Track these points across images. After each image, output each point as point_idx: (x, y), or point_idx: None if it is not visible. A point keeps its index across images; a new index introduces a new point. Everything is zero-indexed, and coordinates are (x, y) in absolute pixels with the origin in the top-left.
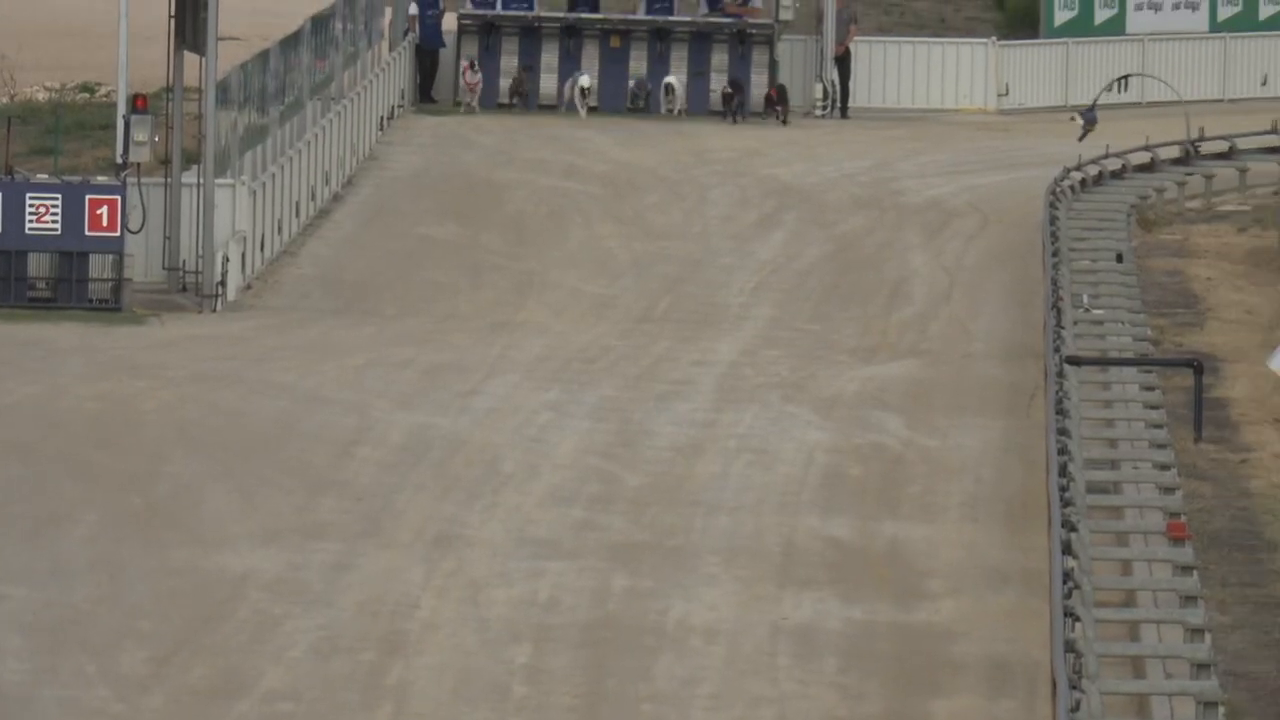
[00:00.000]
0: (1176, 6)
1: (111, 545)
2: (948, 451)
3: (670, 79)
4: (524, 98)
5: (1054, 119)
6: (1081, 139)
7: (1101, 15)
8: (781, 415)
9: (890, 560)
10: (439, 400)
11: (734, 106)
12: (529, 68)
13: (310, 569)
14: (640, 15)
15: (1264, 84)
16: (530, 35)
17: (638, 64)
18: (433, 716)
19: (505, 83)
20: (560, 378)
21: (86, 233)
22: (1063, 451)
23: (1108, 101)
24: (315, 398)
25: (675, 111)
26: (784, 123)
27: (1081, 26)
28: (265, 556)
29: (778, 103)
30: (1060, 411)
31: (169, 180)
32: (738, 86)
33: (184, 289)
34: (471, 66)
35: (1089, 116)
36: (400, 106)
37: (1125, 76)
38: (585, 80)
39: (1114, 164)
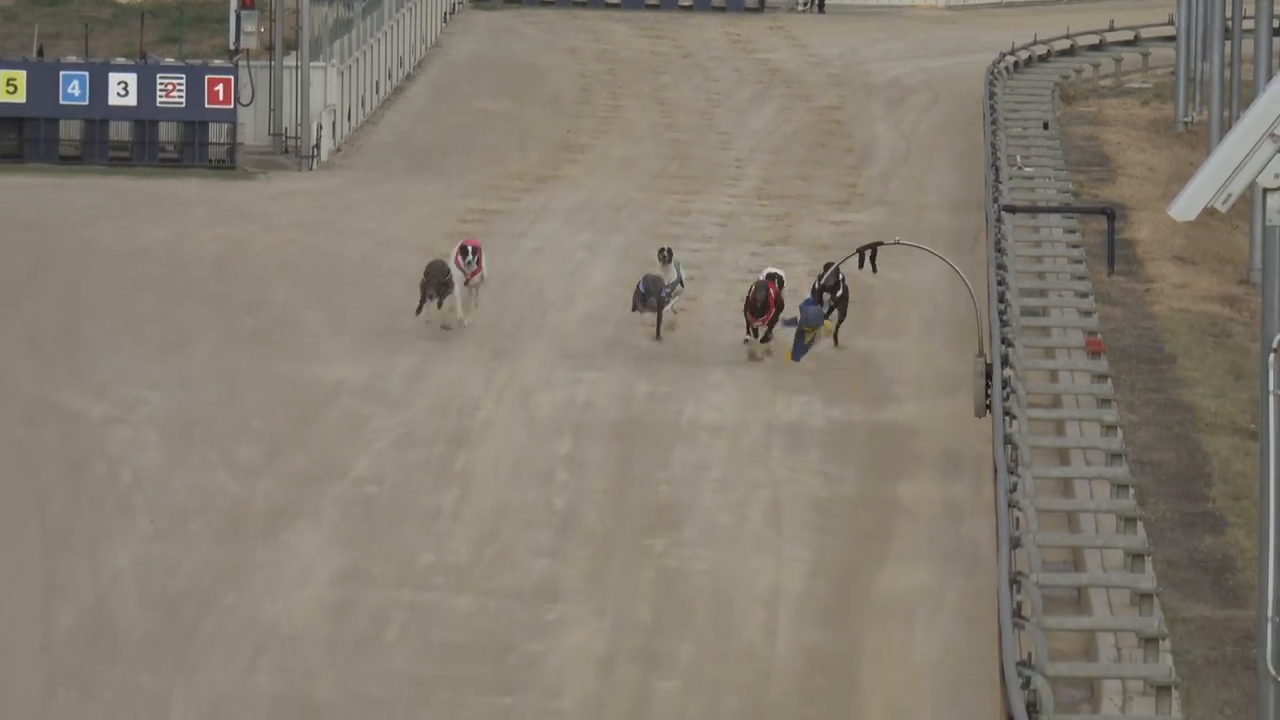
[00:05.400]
0: None
1: (229, 360)
2: (909, 283)
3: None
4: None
5: (994, 14)
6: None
7: None
8: (772, 253)
9: (863, 370)
10: (495, 242)
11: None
12: None
13: (391, 378)
14: None
15: None
16: None
17: None
18: (491, 496)
19: None
20: (593, 223)
21: (206, 106)
22: (1001, 283)
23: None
24: (393, 240)
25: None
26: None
27: None
28: (354, 368)
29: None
30: (999, 250)
31: (273, 63)
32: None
33: (285, 151)
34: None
35: (808, 313)
36: (460, 3)
37: (874, 245)
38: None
39: (1040, 50)
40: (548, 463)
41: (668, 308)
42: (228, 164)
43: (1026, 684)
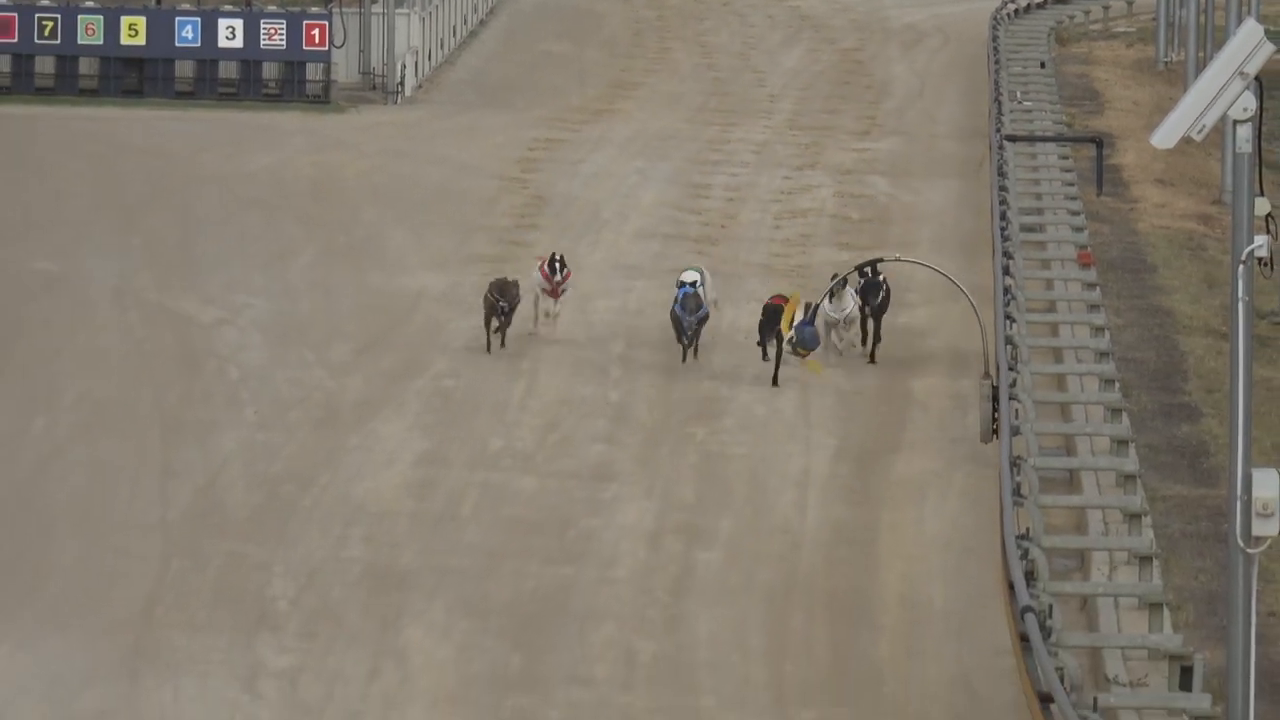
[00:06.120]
0: None
1: (324, 271)
2: (920, 203)
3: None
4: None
5: None
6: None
7: None
8: (801, 177)
9: None
10: (557, 168)
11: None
12: None
13: (466, 287)
14: None
15: None
16: None
17: None
18: (555, 390)
19: None
20: (644, 152)
21: (304, 48)
22: (1003, 203)
23: None
24: (468, 166)
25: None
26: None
27: None
28: (434, 279)
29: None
30: (1000, 174)
31: (362, 10)
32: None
33: (374, 88)
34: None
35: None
36: None
37: (874, 261)
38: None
39: None
40: (604, 361)
41: (703, 327)
42: (323, 99)
43: (1024, 555)
